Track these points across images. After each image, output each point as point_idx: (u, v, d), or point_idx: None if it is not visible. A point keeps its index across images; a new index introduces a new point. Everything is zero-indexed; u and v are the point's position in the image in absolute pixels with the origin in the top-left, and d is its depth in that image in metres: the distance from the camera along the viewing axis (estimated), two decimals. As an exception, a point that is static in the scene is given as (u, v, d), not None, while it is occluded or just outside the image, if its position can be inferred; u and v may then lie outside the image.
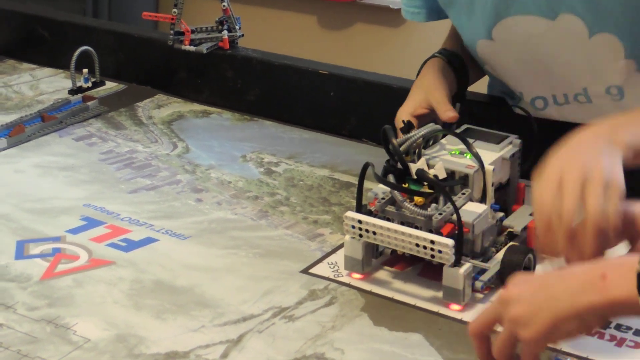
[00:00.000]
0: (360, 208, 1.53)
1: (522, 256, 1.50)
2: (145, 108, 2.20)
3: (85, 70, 2.23)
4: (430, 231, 1.44)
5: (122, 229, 1.69)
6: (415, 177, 1.50)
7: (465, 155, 1.55)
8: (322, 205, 1.78)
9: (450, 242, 1.43)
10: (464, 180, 1.53)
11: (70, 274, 1.55)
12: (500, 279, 1.51)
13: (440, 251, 1.44)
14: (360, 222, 1.48)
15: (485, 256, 1.52)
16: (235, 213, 1.74)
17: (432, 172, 1.49)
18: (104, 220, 1.71)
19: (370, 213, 1.51)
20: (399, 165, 1.51)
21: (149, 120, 2.14)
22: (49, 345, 1.38)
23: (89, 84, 2.26)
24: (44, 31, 2.46)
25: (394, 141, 1.52)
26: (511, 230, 1.57)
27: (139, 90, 2.29)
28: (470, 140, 1.57)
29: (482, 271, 1.50)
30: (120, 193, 1.81)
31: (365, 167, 1.51)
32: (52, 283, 1.53)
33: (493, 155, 1.57)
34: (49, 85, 2.33)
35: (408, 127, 1.58)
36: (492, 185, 1.54)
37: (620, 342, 1.41)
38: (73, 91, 2.22)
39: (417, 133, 1.54)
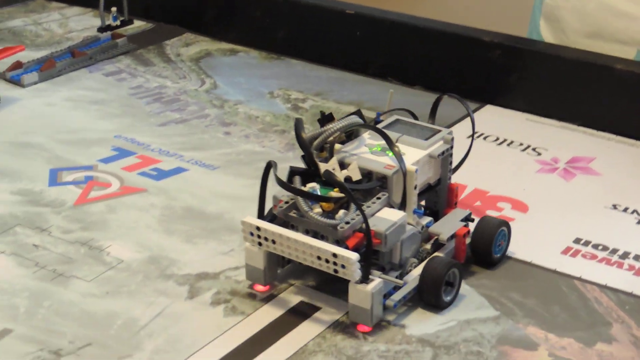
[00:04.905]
0: (262, 212, 1.33)
1: (444, 270, 1.31)
2: (174, 46, 2.23)
3: (113, 9, 2.26)
4: (337, 242, 1.27)
5: (152, 159, 1.73)
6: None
7: (387, 152, 1.34)
8: (347, 140, 1.81)
9: (354, 256, 1.23)
10: (382, 182, 1.32)
11: (103, 200, 1.59)
12: (419, 295, 1.33)
13: (343, 266, 1.24)
14: (258, 229, 1.29)
15: (405, 268, 1.33)
16: (263, 146, 1.78)
17: (345, 172, 1.30)
18: (135, 151, 1.75)
19: (275, 217, 1.31)
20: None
21: (177, 57, 2.17)
22: (84, 265, 1.43)
23: (118, 23, 2.28)
24: (73, -30, 2.49)
25: (304, 135, 1.32)
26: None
27: (167, 29, 2.32)
28: (396, 135, 1.37)
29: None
30: (150, 126, 1.85)
31: (268, 167, 1.31)
32: (85, 208, 1.57)
33: (419, 153, 1.35)
34: (77, 23, 2.36)
35: (326, 119, 1.38)
36: (416, 187, 1.33)
37: (638, 272, 1.44)
38: (102, 29, 2.24)
39: (333, 126, 1.34)
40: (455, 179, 1.62)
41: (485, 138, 1.82)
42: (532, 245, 1.49)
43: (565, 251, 1.48)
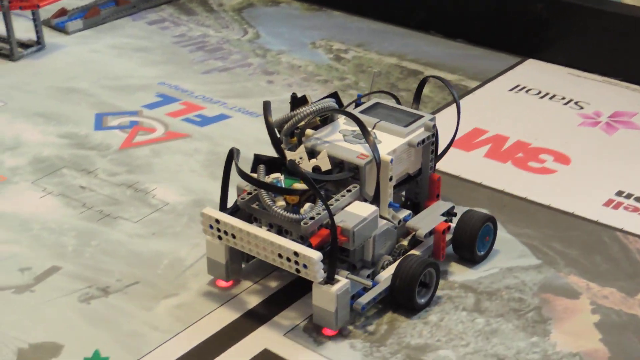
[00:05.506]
0: (225, 204, 1.23)
1: (419, 269, 1.20)
2: (216, -4, 2.24)
3: (157, -42, 2.27)
4: (302, 238, 1.17)
5: (196, 105, 1.74)
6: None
7: (363, 139, 1.24)
8: (389, 90, 1.81)
9: (316, 255, 1.12)
10: (355, 172, 1.21)
11: (148, 145, 1.61)
12: (391, 296, 1.21)
13: (305, 265, 1.13)
14: (218, 221, 1.19)
15: (377, 267, 1.23)
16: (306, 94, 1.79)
17: (314, 162, 1.21)
18: (179, 98, 1.77)
19: (239, 209, 1.22)
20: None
21: (219, 7, 2.18)
22: (130, 207, 1.45)
23: (160, -28, 2.29)
24: None
25: (271, 119, 1.22)
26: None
27: (209, -20, 2.33)
28: (374, 121, 1.27)
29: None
30: (194, 73, 1.87)
31: (231, 154, 1.21)
32: (130, 152, 1.59)
33: (397, 140, 1.25)
34: (120, -28, 2.37)
35: (297, 101, 1.28)
36: (391, 179, 1.22)
37: (681, 225, 1.45)
38: (145, -22, 2.26)
39: (304, 110, 1.22)
40: (497, 130, 1.63)
41: (527, 91, 1.82)
42: (574, 197, 1.50)
43: (607, 203, 1.49)
